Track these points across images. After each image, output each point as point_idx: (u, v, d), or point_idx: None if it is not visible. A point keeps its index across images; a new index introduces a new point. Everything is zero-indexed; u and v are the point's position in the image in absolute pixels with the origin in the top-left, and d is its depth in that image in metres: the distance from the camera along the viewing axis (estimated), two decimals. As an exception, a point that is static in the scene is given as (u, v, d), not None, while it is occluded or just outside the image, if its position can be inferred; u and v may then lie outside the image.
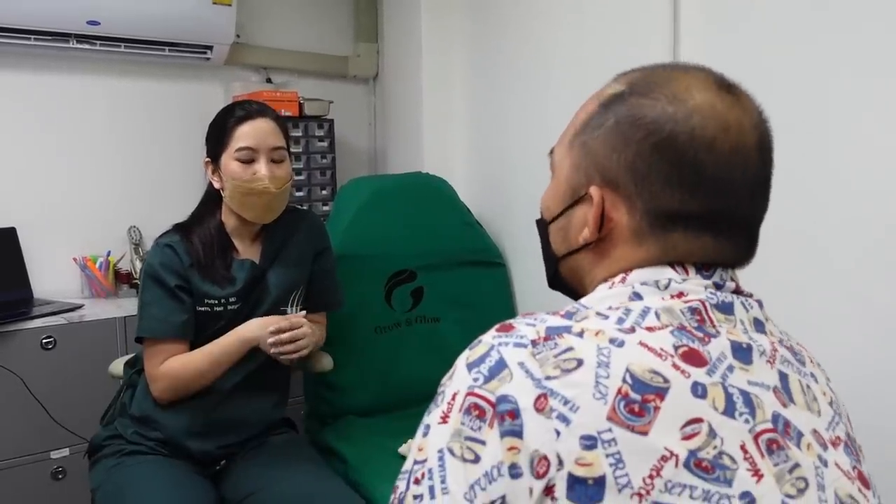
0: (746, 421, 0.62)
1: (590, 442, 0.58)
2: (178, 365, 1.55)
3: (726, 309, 0.68)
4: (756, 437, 0.62)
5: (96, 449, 1.64)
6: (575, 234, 0.75)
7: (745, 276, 0.75)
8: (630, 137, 0.69)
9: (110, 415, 1.70)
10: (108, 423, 1.69)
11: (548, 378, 0.61)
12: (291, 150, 1.70)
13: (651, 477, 0.58)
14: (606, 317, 0.66)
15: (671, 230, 0.69)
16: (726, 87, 0.70)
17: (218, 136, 1.61)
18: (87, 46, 2.38)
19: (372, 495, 1.65)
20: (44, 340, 2.09)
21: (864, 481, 0.69)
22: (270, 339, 1.53)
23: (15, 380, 2.04)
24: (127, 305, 2.27)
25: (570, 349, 0.63)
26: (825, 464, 0.66)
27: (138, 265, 2.47)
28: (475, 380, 0.63)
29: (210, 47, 2.58)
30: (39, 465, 2.11)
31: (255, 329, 1.57)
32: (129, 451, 1.58)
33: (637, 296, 0.68)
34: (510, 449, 0.59)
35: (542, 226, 0.82)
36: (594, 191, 0.71)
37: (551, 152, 0.80)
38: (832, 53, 1.46)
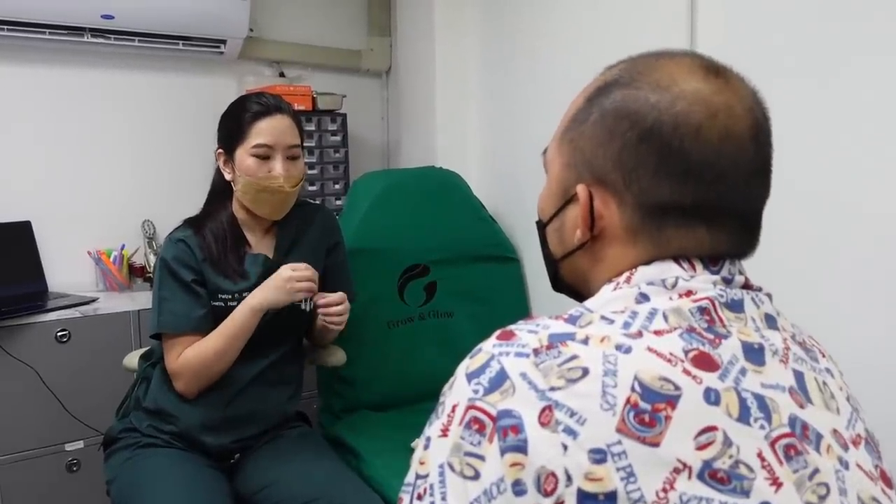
0: (762, 427, 0.60)
1: (599, 455, 0.56)
2: (194, 353, 1.54)
3: (736, 307, 0.66)
4: (773, 444, 0.60)
5: (111, 441, 1.64)
6: (570, 234, 0.73)
7: (758, 270, 0.74)
8: (614, 130, 0.67)
9: (125, 408, 1.71)
10: (122, 416, 1.69)
11: (552, 389, 0.59)
12: (304, 144, 1.70)
13: (665, 490, 0.55)
14: (612, 321, 0.64)
15: (664, 224, 0.67)
16: (714, 71, 0.68)
17: (233, 130, 1.60)
18: (101, 40, 2.39)
19: (384, 489, 1.65)
20: (58, 333, 2.10)
21: (887, 480, 0.67)
22: (323, 310, 1.63)
23: (30, 372, 2.05)
24: (141, 299, 2.28)
25: (574, 357, 0.60)
26: (846, 466, 0.63)
27: (152, 259, 2.48)
28: (475, 391, 0.61)
29: (223, 41, 2.58)
30: (54, 457, 2.13)
31: (263, 296, 1.54)
32: (144, 443, 1.58)
33: (644, 297, 0.66)
34: (513, 465, 0.57)
35: (540, 227, 0.80)
36: (580, 189, 0.70)
37: (545, 152, 0.78)
38: (852, 41, 1.43)
